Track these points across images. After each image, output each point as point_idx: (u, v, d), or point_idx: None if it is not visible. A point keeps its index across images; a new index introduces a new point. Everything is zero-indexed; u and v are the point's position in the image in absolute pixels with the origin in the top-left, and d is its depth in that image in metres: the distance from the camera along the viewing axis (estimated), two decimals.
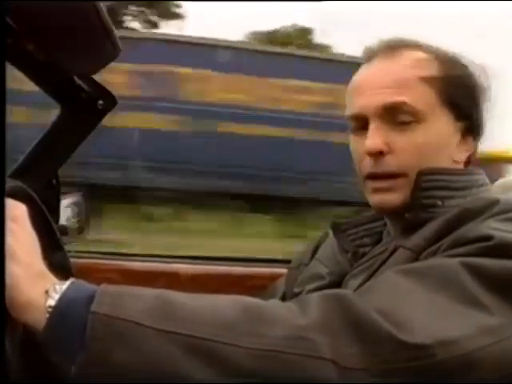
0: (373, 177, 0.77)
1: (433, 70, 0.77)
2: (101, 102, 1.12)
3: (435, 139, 0.76)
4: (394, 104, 0.74)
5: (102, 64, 0.97)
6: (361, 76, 0.80)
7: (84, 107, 1.13)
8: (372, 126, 0.76)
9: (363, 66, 0.81)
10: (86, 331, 0.48)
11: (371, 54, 0.80)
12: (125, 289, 0.54)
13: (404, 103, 0.74)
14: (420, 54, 0.78)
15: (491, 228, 0.63)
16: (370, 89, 0.77)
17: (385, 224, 0.86)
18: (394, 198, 0.76)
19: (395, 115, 0.75)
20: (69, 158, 1.21)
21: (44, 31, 0.80)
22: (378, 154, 0.75)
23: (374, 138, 0.75)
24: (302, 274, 0.93)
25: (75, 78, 1.04)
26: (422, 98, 0.75)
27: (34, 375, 0.64)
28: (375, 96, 0.76)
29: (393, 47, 0.79)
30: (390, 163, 0.75)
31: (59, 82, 1.05)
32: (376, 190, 0.77)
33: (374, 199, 0.78)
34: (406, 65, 0.76)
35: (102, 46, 0.86)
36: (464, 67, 0.79)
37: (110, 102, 1.14)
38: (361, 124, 0.78)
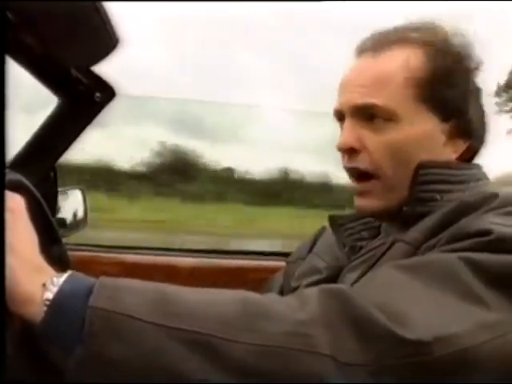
0: (350, 174, 0.78)
1: (418, 70, 0.74)
2: (98, 94, 1.12)
3: (413, 139, 0.74)
4: (364, 106, 0.74)
5: (101, 56, 0.96)
6: (346, 72, 0.80)
7: (82, 99, 1.13)
8: (346, 123, 0.77)
9: (352, 62, 0.80)
10: (84, 325, 0.48)
11: (360, 49, 0.79)
12: (123, 282, 0.53)
13: (374, 105, 0.74)
14: (407, 52, 0.75)
15: (490, 222, 0.62)
16: (348, 86, 0.77)
17: None
18: (369, 203, 0.77)
19: (368, 114, 0.75)
20: (66, 150, 1.21)
21: (41, 23, 0.79)
22: (349, 151, 0.76)
23: (346, 134, 0.76)
24: (299, 268, 0.93)
25: (73, 70, 1.03)
26: (399, 99, 0.73)
27: (32, 369, 0.63)
28: (350, 94, 0.76)
29: (381, 43, 0.77)
30: (361, 160, 0.76)
31: (57, 74, 1.04)
32: (356, 193, 0.78)
33: (356, 202, 0.79)
34: (388, 65, 0.75)
35: (100, 37, 0.85)
36: (458, 58, 0.76)
37: (108, 94, 1.13)
38: (342, 119, 0.79)
